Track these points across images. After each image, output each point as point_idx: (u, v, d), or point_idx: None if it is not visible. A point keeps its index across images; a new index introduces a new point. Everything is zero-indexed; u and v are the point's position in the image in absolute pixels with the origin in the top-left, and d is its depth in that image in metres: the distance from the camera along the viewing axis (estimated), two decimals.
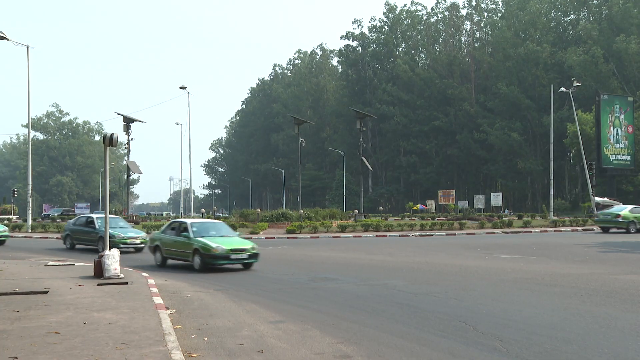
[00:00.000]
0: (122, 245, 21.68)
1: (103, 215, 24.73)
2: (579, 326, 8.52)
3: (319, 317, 9.47)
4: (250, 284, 13.71)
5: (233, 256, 15.96)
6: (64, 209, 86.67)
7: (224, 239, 16.81)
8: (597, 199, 54.65)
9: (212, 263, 15.97)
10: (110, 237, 20.58)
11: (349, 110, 79.44)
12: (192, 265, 16.42)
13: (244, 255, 16.16)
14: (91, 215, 24.80)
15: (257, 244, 27.47)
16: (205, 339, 7.97)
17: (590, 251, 21.11)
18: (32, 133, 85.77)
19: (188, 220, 18.05)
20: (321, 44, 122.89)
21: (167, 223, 19.29)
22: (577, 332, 8.15)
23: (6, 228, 27.00)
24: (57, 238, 32.66)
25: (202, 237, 16.63)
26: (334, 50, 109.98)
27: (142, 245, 22.50)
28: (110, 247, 20.45)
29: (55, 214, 73.42)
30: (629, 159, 54.62)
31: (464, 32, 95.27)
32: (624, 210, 33.15)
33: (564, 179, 79.40)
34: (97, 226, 22.95)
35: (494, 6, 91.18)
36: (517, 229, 36.31)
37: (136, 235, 22.90)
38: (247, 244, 16.59)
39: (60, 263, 17.71)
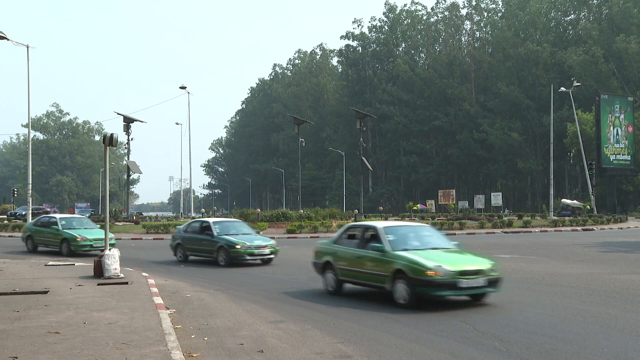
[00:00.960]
0: (248, 257, 17.44)
1: (222, 220, 20.00)
2: (579, 326, 8.52)
3: (319, 317, 9.47)
4: (250, 284, 13.72)
5: (463, 283, 9.92)
6: (35, 206, 66.74)
7: (441, 253, 10.75)
8: (567, 200, 56.03)
9: (428, 293, 9.96)
10: (232, 246, 17.34)
11: (349, 110, 79.44)
12: (390, 295, 10.44)
13: (480, 282, 10.12)
14: (206, 219, 19.84)
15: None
16: (205, 338, 7.97)
17: (591, 251, 21.12)
18: (32, 133, 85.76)
19: (378, 224, 11.77)
20: (321, 44, 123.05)
21: (344, 227, 12.94)
22: (577, 331, 8.15)
23: (112, 235, 21.44)
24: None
25: (405, 250, 10.66)
26: (334, 50, 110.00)
27: (271, 256, 17.99)
28: (234, 259, 17.30)
29: (23, 212, 59.66)
30: (629, 158, 54.62)
31: (464, 32, 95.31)
32: None
33: (564, 178, 79.39)
34: (215, 233, 18.11)
35: (494, 6, 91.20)
36: (517, 228, 36.29)
37: (264, 243, 18.11)
38: (483, 262, 10.55)
39: (60, 263, 17.71)
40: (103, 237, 19.60)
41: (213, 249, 17.93)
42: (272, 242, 18.44)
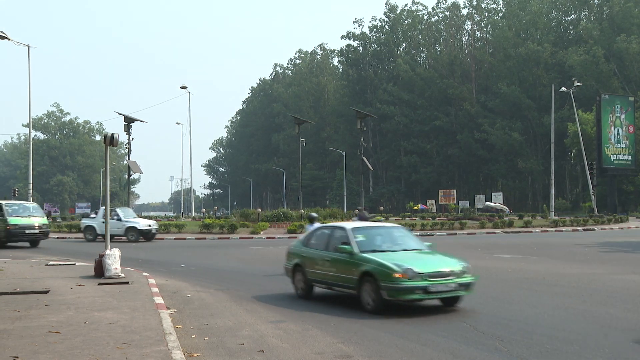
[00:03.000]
0: None
1: None
2: (580, 326, 8.51)
3: (320, 317, 9.47)
4: (251, 284, 13.72)
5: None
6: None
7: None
8: (490, 203, 57.88)
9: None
10: None
11: (349, 110, 79.33)
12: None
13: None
14: None
15: (258, 243, 27.59)
16: (206, 338, 7.97)
17: (591, 251, 21.11)
18: (33, 133, 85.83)
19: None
20: (322, 44, 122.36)
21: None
22: (578, 332, 8.14)
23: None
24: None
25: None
26: (335, 50, 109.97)
27: None
28: None
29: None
30: (630, 159, 54.59)
31: (464, 31, 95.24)
32: None
33: (564, 178, 79.33)
34: None
35: (494, 6, 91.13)
36: (518, 228, 36.29)
37: None
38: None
39: (61, 263, 17.70)
40: (449, 268, 9.88)
41: None
42: None
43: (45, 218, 27.31)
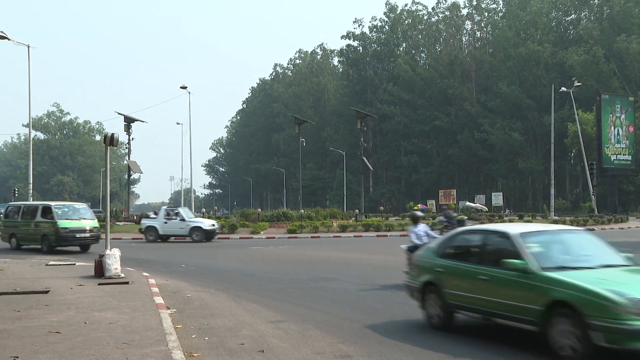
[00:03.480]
0: None
1: None
2: None
3: (320, 317, 9.47)
4: (251, 284, 13.72)
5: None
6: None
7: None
8: (469, 203, 58.28)
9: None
10: None
11: (349, 110, 79.38)
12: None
13: None
14: None
15: (258, 243, 27.62)
16: (206, 338, 7.98)
17: None
18: (33, 133, 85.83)
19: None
20: (322, 44, 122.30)
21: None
22: None
23: None
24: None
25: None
26: (335, 50, 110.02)
27: None
28: None
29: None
30: (630, 158, 54.62)
31: (464, 31, 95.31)
32: None
33: (564, 178, 79.36)
34: None
35: (494, 6, 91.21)
36: None
37: None
38: None
39: (61, 263, 17.69)
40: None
41: None
42: None
43: (96, 220, 24.54)
